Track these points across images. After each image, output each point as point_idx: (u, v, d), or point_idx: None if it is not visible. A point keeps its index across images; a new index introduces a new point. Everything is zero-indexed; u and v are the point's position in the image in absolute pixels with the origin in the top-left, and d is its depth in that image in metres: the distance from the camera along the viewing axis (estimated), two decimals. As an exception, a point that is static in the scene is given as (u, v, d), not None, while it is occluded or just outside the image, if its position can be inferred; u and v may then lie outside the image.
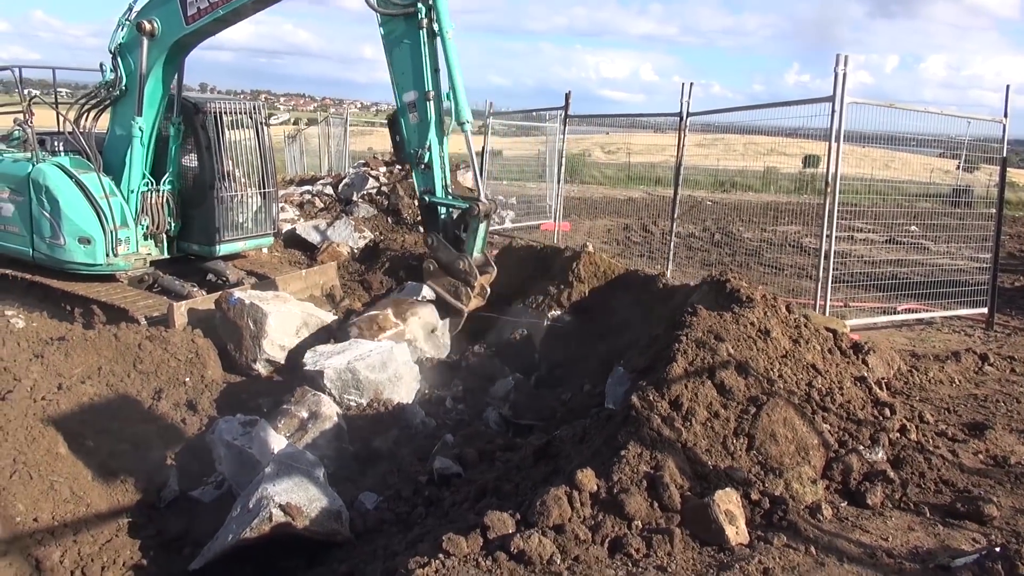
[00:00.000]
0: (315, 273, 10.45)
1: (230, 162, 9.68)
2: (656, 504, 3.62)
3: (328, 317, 8.67)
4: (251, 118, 9.92)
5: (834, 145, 8.03)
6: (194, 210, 9.67)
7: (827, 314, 7.99)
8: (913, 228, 13.74)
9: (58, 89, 10.22)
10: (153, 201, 9.30)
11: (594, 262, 8.78)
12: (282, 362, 7.86)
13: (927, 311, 9.24)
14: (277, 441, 5.74)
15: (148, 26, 8.39)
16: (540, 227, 15.18)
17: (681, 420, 4.16)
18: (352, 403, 6.77)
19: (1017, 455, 4.76)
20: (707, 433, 4.14)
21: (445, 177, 7.07)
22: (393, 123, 7.18)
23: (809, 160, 16.00)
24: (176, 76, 9.07)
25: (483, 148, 15.71)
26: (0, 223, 9.30)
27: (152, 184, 9.28)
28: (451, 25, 6.61)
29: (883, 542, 3.62)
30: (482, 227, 6.84)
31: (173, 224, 9.58)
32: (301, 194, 16.23)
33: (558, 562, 3.28)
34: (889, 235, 14.58)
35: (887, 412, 4.87)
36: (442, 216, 7.08)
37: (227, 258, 10.22)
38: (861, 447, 4.38)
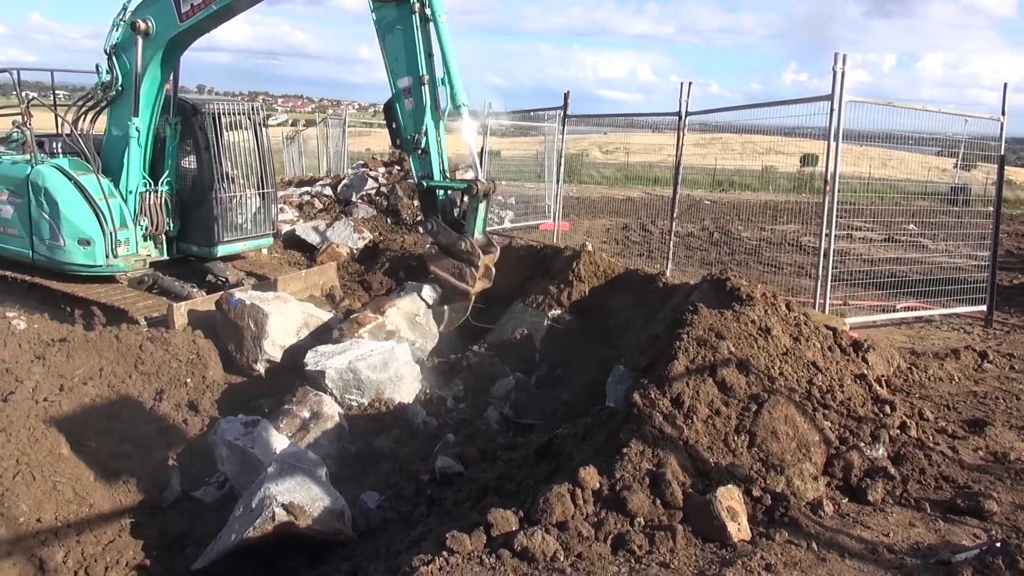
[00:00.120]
0: (315, 274, 10.46)
1: (229, 163, 9.70)
2: (658, 501, 3.64)
3: (328, 318, 8.67)
4: (249, 119, 9.93)
5: (832, 144, 8.05)
6: (193, 211, 9.68)
7: (827, 312, 8.01)
8: (912, 226, 13.76)
9: (56, 91, 10.22)
10: (152, 202, 9.31)
11: (594, 261, 8.81)
12: (283, 362, 7.87)
13: (926, 309, 9.25)
14: (279, 441, 5.75)
15: (143, 25, 8.41)
16: (539, 227, 15.18)
17: (683, 418, 4.18)
18: (353, 403, 6.79)
19: (1017, 451, 4.78)
20: (709, 430, 4.16)
21: (443, 162, 7.02)
22: (389, 110, 7.13)
23: (807, 159, 16.05)
24: (172, 75, 9.08)
25: (482, 148, 15.71)
26: (0, 225, 9.31)
27: (151, 185, 9.29)
28: (444, 9, 6.61)
29: (884, 538, 3.63)
30: (482, 207, 6.75)
31: (172, 225, 9.59)
32: (300, 195, 16.24)
33: (561, 559, 3.30)
34: (888, 233, 14.60)
35: (887, 409, 4.89)
36: (440, 199, 7.00)
37: (226, 259, 10.23)
38: (862, 444, 4.40)
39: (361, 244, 12.88)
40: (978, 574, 3.15)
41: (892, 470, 4.22)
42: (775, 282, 10.78)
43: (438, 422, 6.64)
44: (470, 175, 8.31)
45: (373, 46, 7.01)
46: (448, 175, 7.16)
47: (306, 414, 6.29)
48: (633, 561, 3.31)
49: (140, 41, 8.46)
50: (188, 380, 7.29)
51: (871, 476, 4.14)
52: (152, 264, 9.64)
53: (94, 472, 5.70)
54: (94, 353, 7.11)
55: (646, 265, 11.12)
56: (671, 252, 11.49)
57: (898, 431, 4.68)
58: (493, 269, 7.01)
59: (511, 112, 17.38)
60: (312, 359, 7.04)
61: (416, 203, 15.24)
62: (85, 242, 8.82)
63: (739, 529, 3.50)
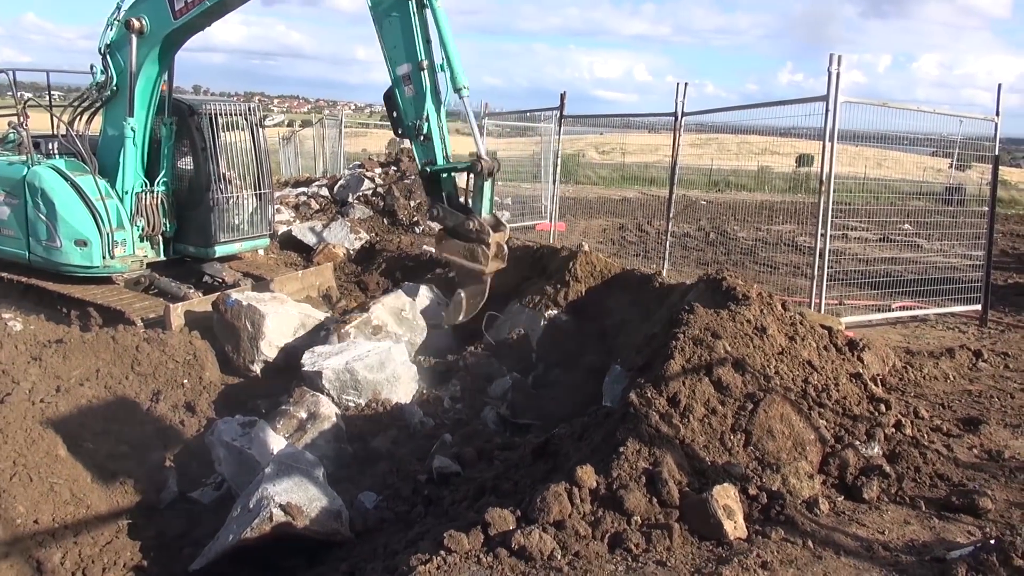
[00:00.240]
0: (311, 274, 10.46)
1: (225, 164, 9.69)
2: (655, 500, 3.65)
3: (325, 318, 8.67)
4: (246, 120, 9.93)
5: (828, 144, 8.08)
6: (190, 212, 9.67)
7: (822, 312, 8.04)
8: (907, 226, 13.81)
9: (51, 92, 10.21)
10: (148, 203, 9.30)
11: (590, 262, 8.81)
12: (280, 363, 7.87)
13: (921, 308, 9.29)
14: (276, 442, 5.75)
15: (137, 23, 8.41)
16: (536, 227, 15.20)
17: (679, 417, 4.19)
18: (351, 403, 6.79)
19: (1011, 449, 4.81)
20: (705, 429, 4.17)
21: (446, 147, 6.94)
22: (389, 99, 7.04)
23: (803, 159, 16.07)
24: (167, 75, 9.08)
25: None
26: (-4, 226, 9.30)
27: (147, 185, 9.28)
28: None
29: (879, 535, 3.66)
30: (487, 185, 6.63)
31: (168, 225, 9.58)
32: (296, 196, 16.23)
33: (559, 558, 3.31)
34: (883, 233, 14.64)
35: (882, 408, 4.92)
36: (445, 185, 6.91)
37: (223, 260, 10.22)
38: (857, 442, 4.42)
39: (358, 245, 12.89)
40: (972, 571, 3.17)
41: (887, 468, 4.24)
42: (771, 282, 10.81)
43: (435, 422, 6.65)
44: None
45: (369, 47, 7.02)
46: (451, 158, 7.04)
47: (303, 415, 6.30)
48: (630, 559, 3.33)
49: (134, 40, 8.46)
50: (185, 381, 7.29)
51: (866, 474, 4.16)
52: (149, 265, 9.63)
53: (91, 473, 5.70)
54: (91, 354, 7.10)
55: (642, 265, 11.14)
56: (667, 252, 11.52)
57: (893, 429, 4.70)
58: (505, 248, 6.84)
59: (508, 112, 17.40)
60: (309, 360, 7.04)
61: (412, 203, 15.26)
62: (82, 243, 8.80)
63: (735, 527, 3.52)
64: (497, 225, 6.81)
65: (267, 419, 6.28)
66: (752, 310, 5.32)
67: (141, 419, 6.58)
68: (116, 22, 8.65)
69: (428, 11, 6.61)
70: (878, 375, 5.89)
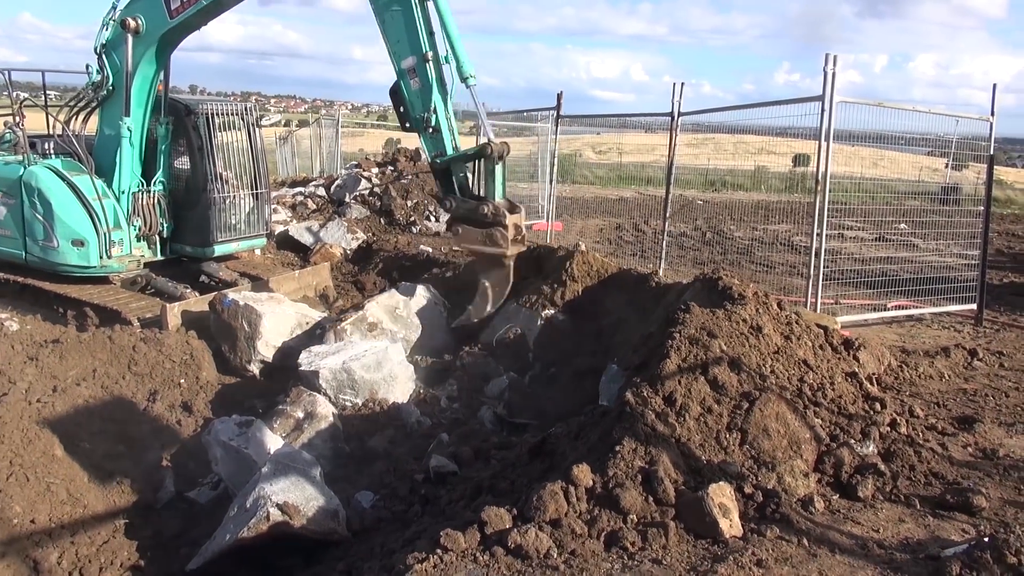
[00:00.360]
0: (308, 274, 10.46)
1: (222, 164, 9.69)
2: (651, 498, 3.66)
3: (322, 318, 8.68)
4: (242, 119, 9.92)
5: (823, 144, 8.10)
6: (187, 212, 9.67)
7: (818, 311, 8.06)
8: (903, 226, 13.85)
9: (47, 92, 10.20)
10: (145, 202, 9.30)
11: (587, 261, 8.81)
12: (277, 363, 7.87)
13: (917, 308, 9.32)
14: (273, 441, 5.76)
15: (132, 23, 8.41)
16: (532, 227, 15.21)
17: (675, 415, 4.21)
18: (347, 403, 6.80)
19: (1005, 448, 4.83)
20: (700, 428, 4.19)
21: (454, 138, 6.91)
22: (395, 94, 7.00)
23: (799, 159, 16.10)
24: (163, 75, 9.07)
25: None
26: (-8, 226, 9.28)
27: (144, 185, 9.28)
28: None
29: (874, 533, 3.67)
30: (498, 169, 6.58)
31: (165, 225, 9.57)
32: (293, 196, 16.23)
33: (555, 556, 3.32)
34: (879, 233, 14.69)
35: (878, 406, 4.94)
36: (457, 175, 6.86)
37: (220, 259, 10.22)
38: (852, 441, 4.44)
39: (354, 244, 12.89)
40: (966, 568, 3.18)
41: (882, 467, 4.26)
42: (767, 281, 10.84)
43: (432, 422, 6.65)
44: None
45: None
46: (459, 148, 7.01)
47: (300, 414, 6.30)
48: (626, 558, 3.34)
49: (130, 39, 8.46)
50: (182, 381, 7.28)
51: (861, 473, 4.18)
52: (146, 265, 9.62)
53: (88, 473, 5.70)
54: (87, 354, 7.09)
55: (639, 265, 11.16)
56: (664, 252, 11.54)
57: (888, 428, 4.72)
58: (524, 230, 6.74)
59: (505, 112, 17.40)
60: (306, 359, 7.04)
61: (409, 203, 15.27)
62: (79, 243, 8.80)
63: (731, 526, 3.54)
64: (512, 208, 6.74)
65: (264, 419, 6.28)
66: (748, 309, 5.34)
67: (138, 419, 6.58)
68: (112, 22, 8.64)
69: (430, 3, 6.59)
70: (873, 374, 5.91)
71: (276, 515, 4.43)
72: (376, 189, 15.53)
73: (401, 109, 6.98)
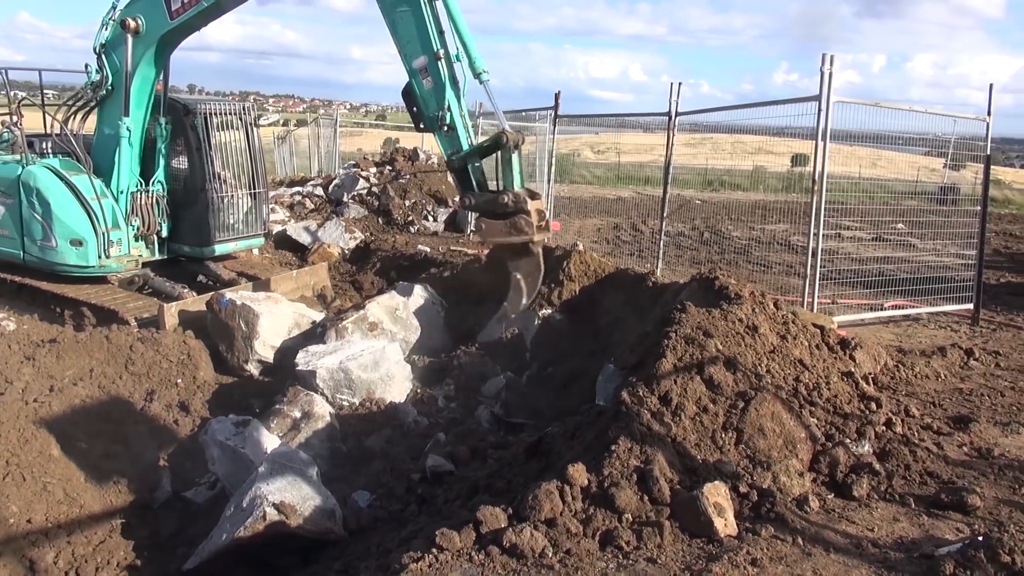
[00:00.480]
0: (306, 274, 10.46)
1: (220, 163, 9.69)
2: (646, 497, 3.67)
3: (319, 318, 8.69)
4: (241, 119, 9.92)
5: (821, 144, 8.11)
6: (185, 211, 9.66)
7: (815, 311, 8.07)
8: (900, 225, 13.87)
9: (45, 91, 10.20)
10: (143, 202, 9.29)
11: (584, 261, 8.83)
12: (274, 363, 7.87)
13: (913, 307, 9.33)
14: (270, 441, 5.76)
15: (132, 23, 8.39)
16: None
17: (671, 415, 4.21)
18: (345, 403, 6.80)
19: (1000, 447, 4.84)
20: (696, 427, 4.19)
21: (470, 134, 6.88)
22: (408, 95, 6.94)
23: (797, 159, 16.11)
24: (162, 74, 9.07)
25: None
26: (-10, 226, 9.27)
27: (142, 185, 9.27)
28: None
29: (869, 533, 3.68)
30: (515, 158, 6.52)
31: (164, 225, 9.57)
32: (291, 195, 16.24)
33: (550, 555, 3.33)
34: (876, 233, 14.70)
35: (873, 406, 4.95)
36: (474, 173, 6.82)
37: (218, 259, 10.22)
38: (848, 440, 4.45)
39: (352, 244, 12.90)
40: (960, 567, 3.19)
41: (877, 466, 4.27)
42: (764, 281, 10.86)
43: (429, 421, 6.66)
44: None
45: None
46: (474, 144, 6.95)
47: (297, 414, 6.31)
48: (621, 557, 3.35)
49: (130, 39, 8.45)
50: (179, 380, 7.28)
51: (856, 472, 4.19)
52: (144, 264, 9.62)
53: (84, 473, 5.70)
54: (84, 354, 7.09)
55: (636, 264, 11.17)
56: (661, 251, 11.55)
57: (884, 428, 4.73)
58: (547, 216, 6.62)
59: (503, 112, 17.37)
60: (303, 359, 7.05)
61: (407, 203, 15.28)
62: (77, 243, 8.79)
63: (726, 525, 3.54)
64: (532, 195, 6.67)
65: (261, 418, 6.29)
66: (744, 309, 5.34)
67: (135, 419, 6.58)
68: (112, 22, 8.63)
69: (438, 1, 6.58)
70: (869, 374, 5.91)
71: (273, 515, 4.44)
72: (374, 189, 15.54)
73: (415, 109, 6.95)
